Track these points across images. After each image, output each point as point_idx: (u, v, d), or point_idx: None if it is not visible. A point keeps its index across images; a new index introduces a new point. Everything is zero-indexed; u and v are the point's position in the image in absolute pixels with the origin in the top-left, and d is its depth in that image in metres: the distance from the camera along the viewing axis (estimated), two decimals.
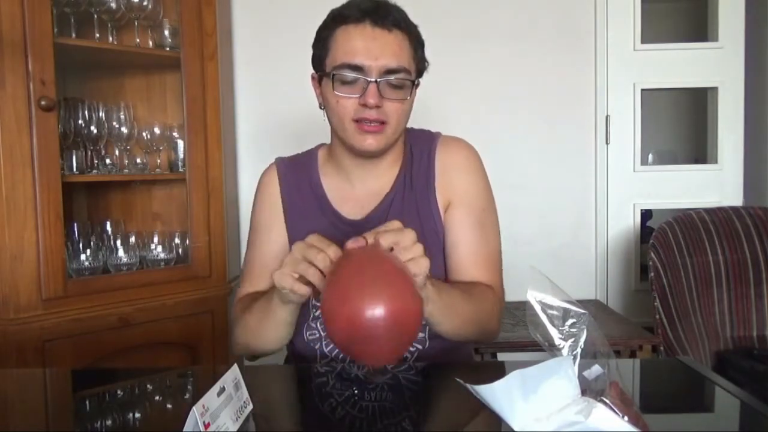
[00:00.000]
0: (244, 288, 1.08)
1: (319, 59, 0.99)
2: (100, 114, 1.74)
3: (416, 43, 0.98)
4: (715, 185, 2.31)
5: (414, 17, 1.00)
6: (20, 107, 1.48)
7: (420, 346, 1.01)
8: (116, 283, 1.68)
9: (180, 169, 1.85)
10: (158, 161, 1.91)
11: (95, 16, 1.71)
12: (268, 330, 0.94)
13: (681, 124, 3.43)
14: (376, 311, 0.65)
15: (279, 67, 2.21)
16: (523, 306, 0.68)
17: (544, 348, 0.67)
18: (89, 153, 1.76)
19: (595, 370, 0.66)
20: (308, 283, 0.79)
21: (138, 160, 1.87)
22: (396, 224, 0.79)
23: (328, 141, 1.12)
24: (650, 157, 3.17)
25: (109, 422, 0.78)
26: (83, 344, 1.57)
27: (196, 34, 1.78)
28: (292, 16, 2.20)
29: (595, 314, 0.67)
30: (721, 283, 1.88)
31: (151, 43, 1.85)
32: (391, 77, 0.93)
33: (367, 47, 0.92)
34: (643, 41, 2.28)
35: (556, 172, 2.27)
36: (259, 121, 2.23)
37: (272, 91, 2.23)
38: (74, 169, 1.68)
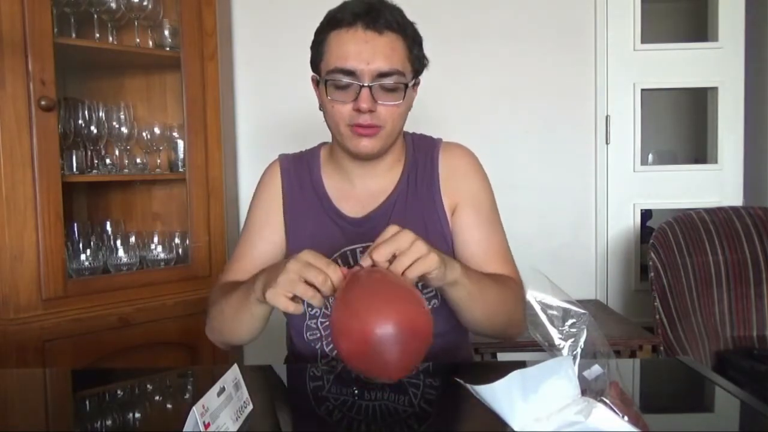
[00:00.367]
0: (227, 276, 1.07)
1: (315, 62, 0.99)
2: (100, 114, 1.74)
3: (411, 42, 0.97)
4: (715, 185, 2.31)
5: (413, 17, 0.99)
6: (20, 107, 1.48)
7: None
8: (116, 283, 1.68)
9: (180, 169, 1.85)
10: (158, 161, 1.91)
11: (95, 16, 1.71)
12: (243, 322, 0.93)
13: (681, 124, 3.43)
14: (385, 328, 0.67)
15: (279, 67, 2.21)
16: None
17: (544, 348, 0.67)
18: (89, 153, 1.76)
19: (595, 370, 0.66)
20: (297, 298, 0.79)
21: (138, 160, 1.87)
22: (390, 231, 0.79)
23: (329, 140, 1.12)
24: (650, 157, 3.17)
25: (109, 422, 0.78)
26: (83, 344, 1.57)
27: (196, 34, 1.78)
28: (292, 16, 2.20)
29: (595, 314, 0.67)
30: (721, 283, 1.88)
31: (151, 43, 1.85)
32: (384, 81, 0.93)
33: (359, 51, 0.92)
34: (643, 41, 2.28)
35: (556, 172, 2.26)
36: (259, 121, 2.23)
37: (272, 91, 2.23)
38: (74, 169, 1.68)
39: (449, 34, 2.19)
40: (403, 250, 0.76)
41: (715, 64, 2.28)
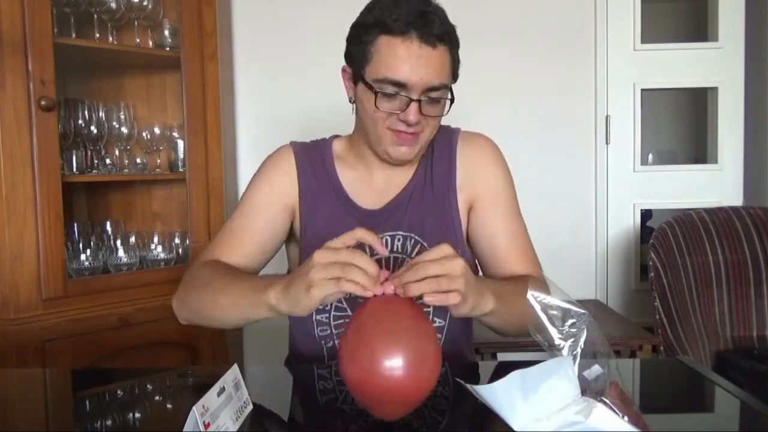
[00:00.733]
0: (216, 250, 1.03)
1: (357, 62, 0.95)
2: (100, 114, 1.74)
3: (455, 50, 0.96)
4: (715, 185, 2.31)
5: None
6: (20, 107, 1.48)
7: None
8: (116, 283, 1.68)
9: (180, 169, 1.85)
10: (158, 161, 1.91)
11: (95, 16, 1.71)
12: (235, 317, 0.91)
13: (681, 124, 3.43)
14: (394, 364, 0.63)
15: (279, 67, 2.21)
16: None
17: (544, 348, 0.67)
18: (89, 153, 1.76)
19: (595, 370, 0.66)
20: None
21: (138, 160, 1.87)
22: (444, 251, 0.73)
23: (329, 137, 1.13)
24: (650, 157, 3.17)
25: (109, 422, 0.78)
26: (83, 344, 1.57)
27: (196, 34, 1.78)
28: (292, 16, 2.20)
29: (595, 314, 0.67)
30: (721, 283, 1.88)
31: (151, 43, 1.85)
32: (432, 94, 0.92)
33: (413, 65, 0.90)
34: (643, 41, 2.28)
35: (556, 172, 2.27)
36: (259, 121, 2.23)
37: (272, 91, 2.23)
38: (74, 169, 1.68)
39: None
40: (452, 276, 0.72)
41: (715, 64, 2.28)
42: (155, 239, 1.84)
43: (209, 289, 0.93)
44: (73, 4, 1.65)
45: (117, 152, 1.84)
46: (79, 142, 1.73)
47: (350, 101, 1.02)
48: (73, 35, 1.67)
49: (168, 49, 1.83)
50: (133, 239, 1.81)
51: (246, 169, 2.19)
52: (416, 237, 1.02)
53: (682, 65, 2.28)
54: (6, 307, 1.49)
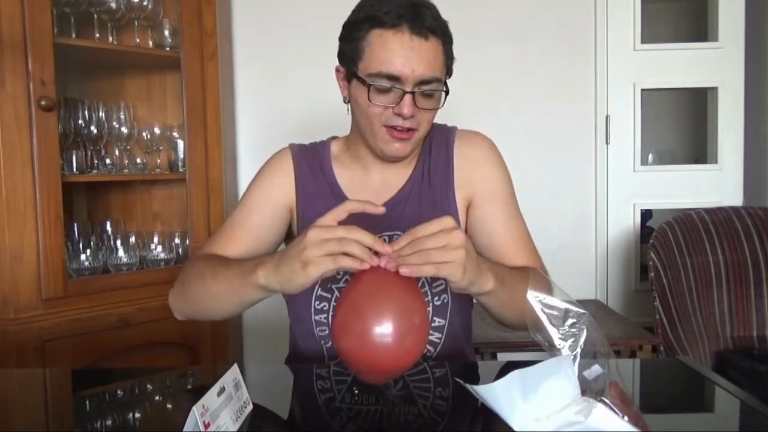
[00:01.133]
0: (213, 246, 1.04)
1: (349, 58, 0.96)
2: (100, 114, 1.74)
3: (448, 45, 0.96)
4: (715, 185, 2.31)
5: None
6: (20, 107, 1.48)
7: (432, 349, 1.01)
8: (116, 283, 1.68)
9: (180, 169, 1.85)
10: (158, 161, 1.91)
11: (95, 16, 1.71)
12: (229, 303, 0.92)
13: (681, 124, 3.43)
14: (384, 329, 0.68)
15: (279, 67, 2.21)
16: None
17: (544, 348, 0.67)
18: (89, 153, 1.77)
19: (595, 370, 0.66)
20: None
21: (138, 160, 1.87)
22: (446, 223, 0.74)
23: (327, 138, 1.12)
24: (650, 157, 3.17)
25: (109, 422, 0.78)
26: (83, 344, 1.57)
27: (196, 34, 1.78)
28: (292, 16, 2.20)
29: (595, 314, 0.67)
30: (721, 283, 1.88)
31: (151, 43, 1.85)
32: (425, 87, 0.92)
33: (405, 57, 0.90)
34: (643, 41, 2.28)
35: (556, 172, 2.27)
36: (259, 121, 2.23)
37: (272, 90, 2.23)
38: (74, 169, 1.68)
39: None
40: (450, 247, 0.73)
41: (715, 64, 2.28)
42: (155, 239, 1.84)
43: (201, 279, 0.94)
44: (73, 4, 1.65)
45: (117, 152, 1.84)
46: (79, 142, 1.73)
47: (345, 101, 1.02)
48: (73, 35, 1.67)
49: (168, 49, 1.83)
50: (133, 239, 1.81)
51: (246, 169, 2.19)
52: None
53: (682, 65, 2.28)
54: (6, 307, 1.49)
